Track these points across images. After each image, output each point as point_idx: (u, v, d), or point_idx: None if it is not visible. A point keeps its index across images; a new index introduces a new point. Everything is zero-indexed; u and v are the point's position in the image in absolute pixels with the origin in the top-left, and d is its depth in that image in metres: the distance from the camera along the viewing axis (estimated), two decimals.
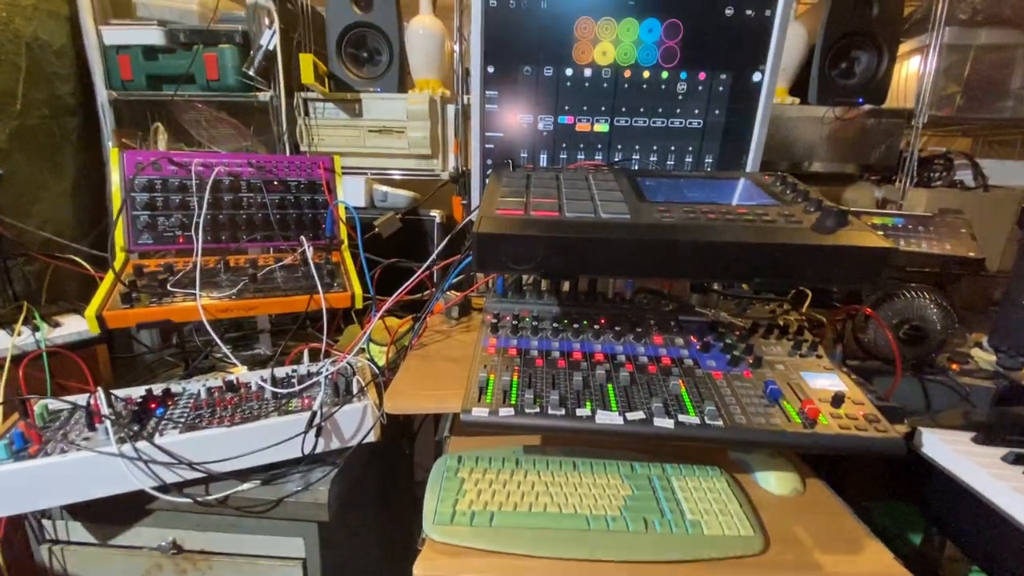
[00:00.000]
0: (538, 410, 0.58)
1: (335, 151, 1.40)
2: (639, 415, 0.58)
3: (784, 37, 0.84)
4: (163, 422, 0.73)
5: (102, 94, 1.45)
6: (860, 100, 1.37)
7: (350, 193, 1.28)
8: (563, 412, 0.58)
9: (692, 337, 0.74)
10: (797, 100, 1.41)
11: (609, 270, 0.57)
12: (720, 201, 0.67)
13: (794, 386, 0.65)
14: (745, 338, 0.74)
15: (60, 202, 1.36)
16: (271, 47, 1.35)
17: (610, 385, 0.63)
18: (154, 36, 1.41)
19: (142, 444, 0.68)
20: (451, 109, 1.39)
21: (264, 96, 1.41)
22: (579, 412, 0.58)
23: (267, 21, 1.36)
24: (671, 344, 0.72)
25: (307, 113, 1.40)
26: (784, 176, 0.74)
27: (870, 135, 1.41)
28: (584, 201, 0.64)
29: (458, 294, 1.04)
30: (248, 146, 1.47)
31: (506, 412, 0.58)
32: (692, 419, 0.58)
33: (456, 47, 1.40)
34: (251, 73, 1.37)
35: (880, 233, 0.59)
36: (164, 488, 0.69)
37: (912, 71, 1.51)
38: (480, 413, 0.58)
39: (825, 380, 0.67)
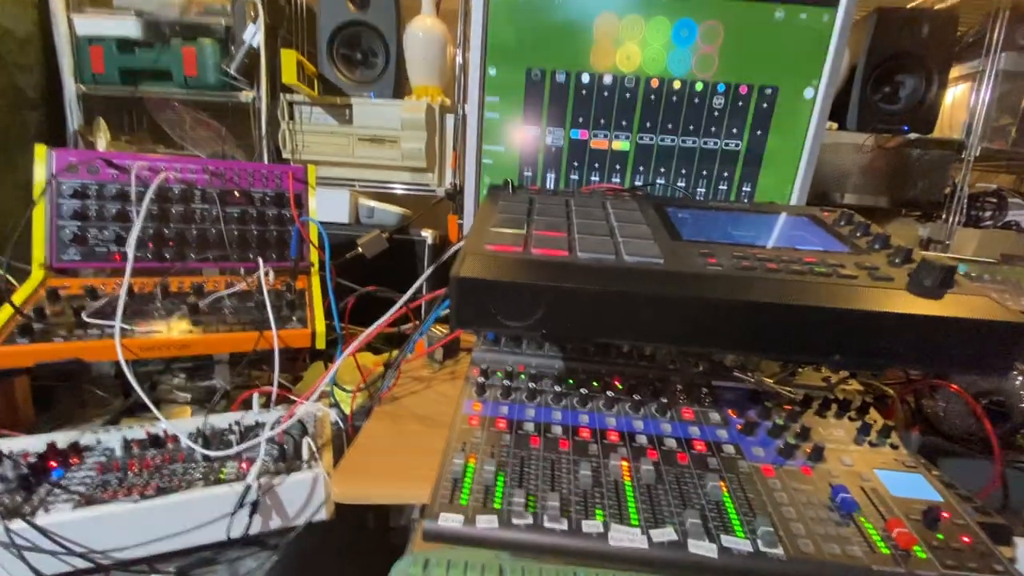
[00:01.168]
0: (531, 520, 0.43)
1: (321, 160, 1.27)
2: (668, 534, 0.43)
3: (844, 47, 0.71)
4: (55, 490, 0.57)
5: (70, 88, 1.33)
6: (905, 128, 1.23)
7: (333, 208, 1.14)
8: (565, 525, 0.43)
9: (730, 411, 0.58)
10: (835, 125, 1.27)
11: (632, 335, 0.42)
12: (775, 244, 0.52)
13: (870, 492, 0.49)
14: (796, 416, 0.58)
15: (10, 202, 1.23)
16: (255, 44, 1.22)
17: (628, 483, 0.47)
18: (130, 27, 1.29)
19: (17, 525, 0.52)
20: (450, 119, 1.25)
21: (246, 97, 1.28)
22: (587, 526, 0.43)
23: (252, 15, 1.23)
24: (705, 420, 0.57)
25: (292, 117, 1.27)
26: (850, 213, 0.59)
27: (914, 167, 1.27)
28: (602, 237, 0.49)
29: (444, 330, 0.89)
30: (225, 151, 1.34)
31: (487, 522, 0.43)
32: (741, 543, 0.42)
33: (459, 53, 1.27)
34: (232, 71, 1.24)
35: (993, 296, 0.44)
36: None
37: (959, 98, 1.38)
38: (451, 522, 0.43)
39: (908, 484, 0.51)
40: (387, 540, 0.83)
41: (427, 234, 1.15)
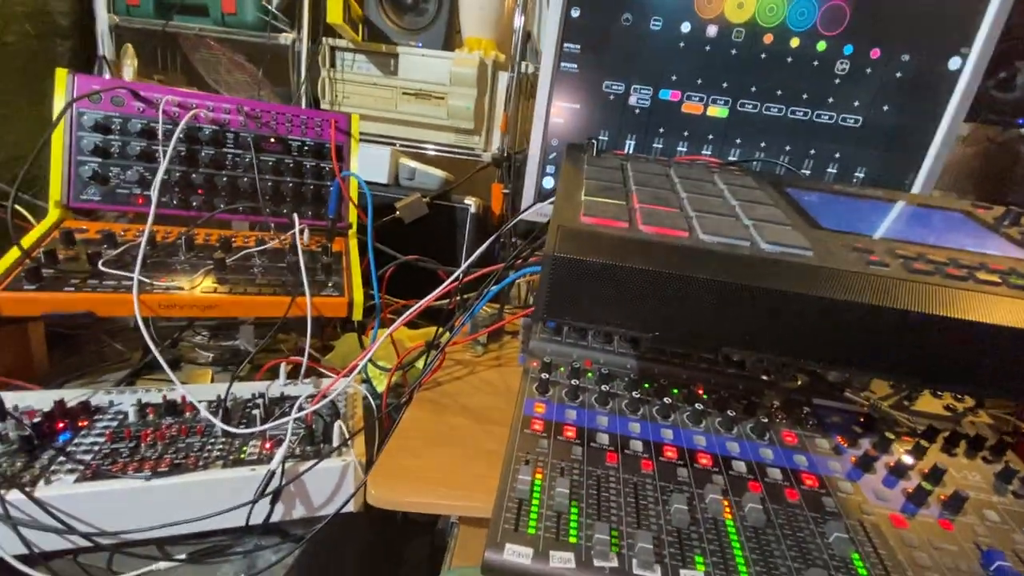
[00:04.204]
0: (616, 564, 0.34)
1: (361, 112, 1.17)
2: None
3: (1007, 10, 0.58)
4: (60, 458, 0.51)
5: (102, 18, 1.24)
6: (1020, 121, 1.08)
7: (370, 165, 1.05)
8: (659, 573, 0.34)
9: (840, 439, 0.49)
10: None
11: (767, 345, 0.33)
12: (939, 243, 0.41)
13: (1023, 555, 0.40)
14: (922, 451, 0.48)
15: (36, 138, 1.16)
16: None
17: (730, 522, 0.39)
18: None
19: (15, 496, 0.46)
20: (503, 77, 1.14)
21: (285, 39, 1.18)
22: None
23: None
24: (811, 448, 0.47)
25: (333, 64, 1.17)
26: (1018, 212, 0.48)
27: (1020, 168, 1.12)
28: (726, 218, 0.39)
29: (489, 311, 0.80)
30: (261, 97, 1.25)
31: (563, 560, 0.35)
32: None
33: (519, 4, 1.14)
34: (272, 8, 1.15)
35: None
36: (40, 558, 0.48)
37: None
38: (519, 556, 0.35)
39: None
40: (418, 532, 0.76)
41: (470, 202, 1.06)
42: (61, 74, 0.67)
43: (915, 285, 0.32)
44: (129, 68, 1.11)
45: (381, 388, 0.67)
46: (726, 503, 0.40)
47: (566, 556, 0.35)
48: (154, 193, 0.62)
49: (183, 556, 0.52)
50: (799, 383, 0.55)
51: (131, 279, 0.56)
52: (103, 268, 0.58)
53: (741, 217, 0.40)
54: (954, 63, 0.60)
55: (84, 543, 0.49)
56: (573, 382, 0.51)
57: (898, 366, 0.33)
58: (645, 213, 0.38)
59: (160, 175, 0.63)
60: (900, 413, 0.53)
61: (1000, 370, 0.32)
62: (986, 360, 0.31)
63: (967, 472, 0.47)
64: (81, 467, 0.51)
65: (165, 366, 0.56)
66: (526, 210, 0.66)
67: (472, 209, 1.05)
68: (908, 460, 0.47)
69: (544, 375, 0.52)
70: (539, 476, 0.40)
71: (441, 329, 0.65)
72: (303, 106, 1.14)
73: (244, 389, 0.64)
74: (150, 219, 0.61)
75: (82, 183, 0.68)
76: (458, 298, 0.75)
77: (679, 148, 0.67)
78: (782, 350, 0.34)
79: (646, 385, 0.52)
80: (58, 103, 0.66)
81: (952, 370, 0.33)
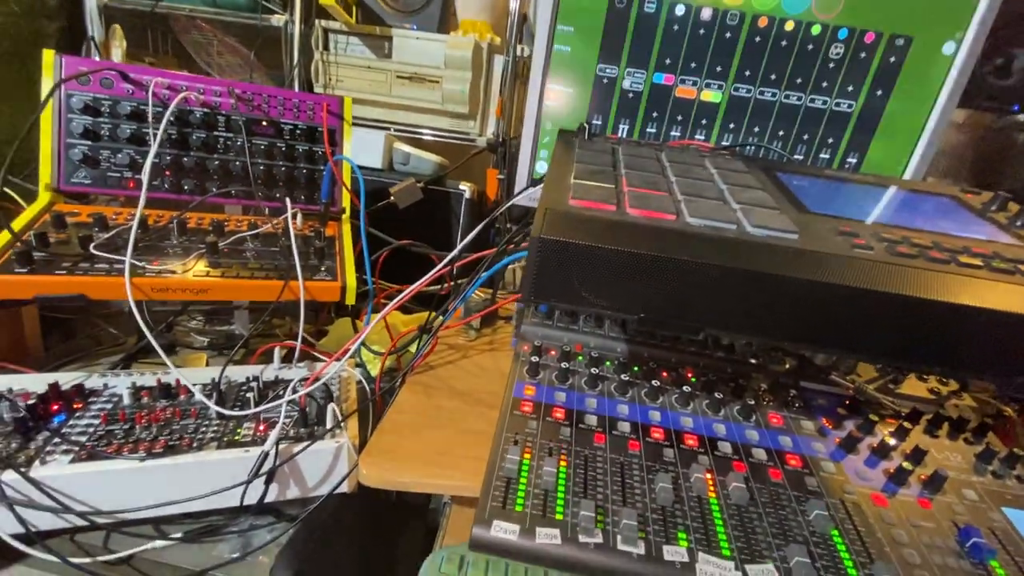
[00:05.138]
0: (601, 540, 0.35)
1: (355, 96, 1.16)
2: (768, 572, 0.35)
3: None
4: (56, 439, 0.52)
5: None
6: (1015, 107, 1.08)
7: (365, 150, 1.05)
8: (642, 549, 0.35)
9: (825, 421, 0.50)
10: None
11: (750, 328, 0.33)
12: (924, 227, 0.41)
13: (1000, 534, 0.41)
14: (904, 433, 0.49)
15: (24, 118, 1.15)
16: None
17: (714, 500, 0.39)
18: None
19: (10, 476, 0.47)
20: (499, 61, 1.13)
21: (278, 20, 1.17)
22: (668, 552, 0.35)
23: None
24: (796, 429, 0.48)
25: (326, 47, 1.16)
26: (1005, 196, 0.48)
27: (1017, 154, 1.12)
28: (714, 201, 0.39)
29: (481, 295, 0.81)
30: (253, 80, 1.23)
31: (548, 536, 0.35)
32: None
33: None
34: None
35: None
36: (36, 537, 0.48)
37: None
38: (505, 532, 0.35)
39: None
40: (412, 514, 0.77)
41: (465, 187, 1.05)
42: (48, 55, 0.66)
43: (897, 268, 0.33)
44: (118, 49, 1.10)
45: (375, 372, 0.68)
46: (710, 482, 0.40)
47: (552, 532, 0.36)
48: (145, 176, 0.62)
49: (179, 535, 0.53)
50: (787, 367, 0.55)
51: (123, 262, 0.56)
52: (95, 251, 0.58)
53: (729, 201, 0.40)
54: (948, 48, 0.60)
55: (80, 522, 0.49)
56: (563, 365, 0.51)
57: (880, 348, 0.34)
58: (633, 196, 0.38)
59: (151, 158, 0.62)
60: (885, 396, 0.53)
61: (979, 352, 0.32)
62: (966, 342, 0.32)
63: (948, 453, 0.48)
64: (76, 448, 0.51)
65: (159, 349, 0.56)
66: (518, 194, 0.66)
67: (467, 194, 1.05)
68: (891, 441, 0.47)
69: (535, 358, 0.52)
70: (527, 456, 0.41)
71: (434, 314, 0.65)
72: (296, 89, 1.13)
73: (238, 373, 0.64)
74: (141, 202, 0.61)
75: (72, 166, 0.67)
76: (452, 283, 0.75)
77: (673, 133, 0.67)
78: (766, 332, 0.34)
79: (635, 368, 0.53)
80: (46, 85, 0.65)
81: (933, 352, 0.33)
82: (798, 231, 0.35)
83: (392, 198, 0.98)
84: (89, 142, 0.67)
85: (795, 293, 0.32)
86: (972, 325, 0.31)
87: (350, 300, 0.65)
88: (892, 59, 0.61)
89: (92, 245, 0.59)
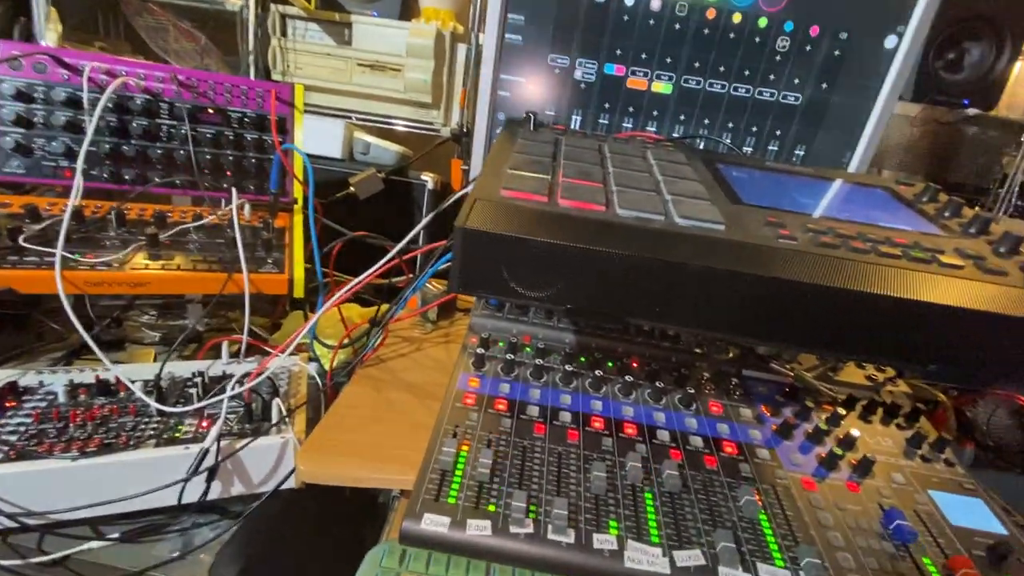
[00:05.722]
0: (531, 530, 0.35)
1: (315, 84, 1.14)
2: (695, 558, 0.35)
3: None
4: None
5: None
6: (966, 102, 1.11)
7: (325, 140, 1.03)
8: (572, 538, 0.35)
9: (764, 408, 0.51)
10: None
11: (676, 318, 0.33)
12: (852, 219, 0.42)
13: (925, 518, 0.42)
14: (838, 419, 0.51)
15: None
16: None
17: (647, 491, 0.40)
18: None
19: None
20: (462, 50, 1.12)
21: (232, 5, 1.13)
22: (598, 540, 0.36)
23: None
24: (735, 417, 0.49)
25: (284, 33, 1.13)
26: (935, 188, 0.49)
27: (967, 147, 1.16)
28: (646, 192, 0.39)
29: (440, 286, 0.80)
30: (207, 66, 1.20)
31: (478, 527, 0.35)
32: (781, 575, 0.35)
33: None
34: None
35: None
36: None
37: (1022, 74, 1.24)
38: (435, 524, 0.35)
39: (967, 510, 0.44)
40: (364, 509, 0.77)
41: (428, 178, 1.04)
42: None
43: (817, 258, 0.33)
44: (52, 32, 1.05)
45: (328, 367, 0.67)
46: (645, 470, 0.41)
47: (483, 524, 0.36)
48: (79, 164, 0.59)
49: (116, 535, 0.51)
50: (730, 355, 0.56)
51: (54, 255, 0.54)
52: (24, 244, 0.56)
53: (663, 192, 0.40)
54: (890, 41, 0.61)
55: (10, 524, 0.48)
56: (509, 356, 0.51)
57: (802, 337, 0.34)
58: (566, 187, 0.38)
59: (86, 145, 0.60)
60: (823, 383, 0.55)
61: (895, 339, 0.33)
62: (883, 330, 0.33)
63: (880, 438, 0.50)
64: (5, 448, 0.49)
65: (93, 345, 0.54)
66: (469, 184, 0.65)
67: (429, 185, 1.03)
68: (825, 427, 0.49)
69: (481, 350, 0.52)
70: (465, 448, 0.41)
71: (385, 306, 0.64)
72: (252, 77, 1.09)
73: (184, 368, 0.62)
74: (74, 192, 0.58)
75: (4, 155, 0.64)
76: (411, 275, 0.74)
77: (625, 124, 0.67)
78: (691, 323, 0.34)
79: (582, 359, 0.53)
80: None
81: (853, 340, 0.34)
82: (725, 222, 0.36)
83: (352, 188, 0.97)
84: (22, 130, 0.64)
85: (717, 284, 0.33)
86: (886, 313, 0.32)
87: (298, 293, 0.64)
88: (836, 52, 0.62)
89: (22, 237, 0.56)
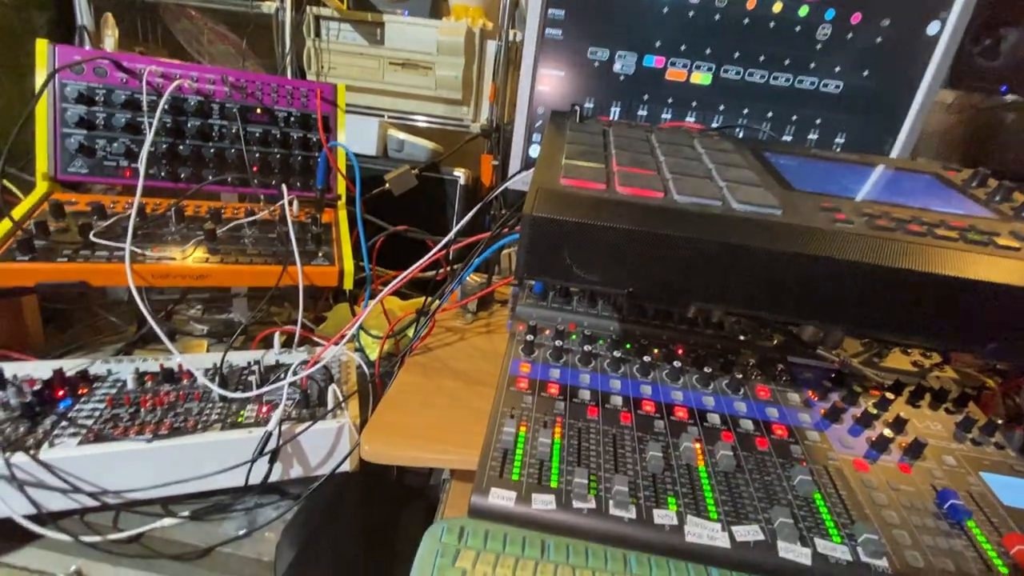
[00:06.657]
0: (593, 505, 0.37)
1: (348, 83, 1.16)
2: (754, 533, 0.36)
3: None
4: (63, 423, 0.53)
5: None
6: (1004, 88, 1.09)
7: (360, 137, 1.05)
8: (634, 514, 0.37)
9: (811, 393, 0.51)
10: None
11: (737, 300, 0.34)
12: (906, 203, 0.43)
13: (978, 497, 0.43)
14: (887, 403, 0.51)
15: (18, 112, 1.15)
16: None
17: (703, 468, 0.41)
18: None
19: (20, 458, 0.48)
20: (492, 46, 1.13)
21: (268, 7, 1.16)
22: (659, 516, 0.37)
23: None
24: (783, 401, 0.50)
25: (318, 34, 1.16)
26: (985, 173, 0.49)
27: (1005, 134, 1.13)
28: (701, 179, 0.40)
29: (477, 280, 0.82)
30: (247, 68, 1.23)
31: (544, 502, 0.37)
32: (839, 550, 0.36)
33: None
34: None
35: None
36: (48, 517, 0.50)
37: None
38: (503, 499, 0.37)
39: (1019, 491, 0.44)
40: (412, 491, 0.79)
41: (460, 174, 1.06)
42: (41, 45, 0.66)
43: (876, 240, 0.34)
44: (110, 38, 1.09)
45: (374, 356, 0.69)
46: (699, 451, 0.42)
47: (547, 498, 0.37)
48: (142, 165, 0.62)
49: (186, 514, 0.54)
50: (775, 342, 0.57)
51: (123, 249, 0.57)
52: (94, 239, 0.59)
53: (716, 179, 0.41)
54: (933, 28, 0.61)
55: (90, 502, 0.51)
56: (557, 343, 0.53)
57: (862, 318, 0.35)
58: (623, 175, 0.39)
59: (147, 146, 0.63)
60: (869, 369, 0.55)
61: (954, 319, 0.34)
62: (942, 309, 0.33)
63: (929, 422, 0.50)
64: (83, 431, 0.52)
65: (161, 335, 0.57)
66: (511, 178, 0.67)
67: (461, 180, 1.05)
68: (874, 411, 0.49)
69: (529, 337, 0.53)
70: (523, 428, 0.43)
71: (431, 298, 0.66)
72: (288, 77, 1.12)
73: (239, 358, 0.65)
74: (139, 190, 0.61)
75: (69, 156, 0.68)
76: (448, 268, 0.76)
77: (663, 115, 0.67)
78: (751, 304, 0.35)
79: (627, 346, 0.54)
80: (40, 75, 0.66)
81: (912, 320, 0.35)
82: (782, 207, 0.37)
83: (387, 185, 0.99)
84: (85, 131, 0.67)
85: (778, 266, 0.34)
86: (947, 294, 0.33)
87: (348, 285, 0.66)
88: (878, 40, 0.62)
89: (92, 233, 0.59)
